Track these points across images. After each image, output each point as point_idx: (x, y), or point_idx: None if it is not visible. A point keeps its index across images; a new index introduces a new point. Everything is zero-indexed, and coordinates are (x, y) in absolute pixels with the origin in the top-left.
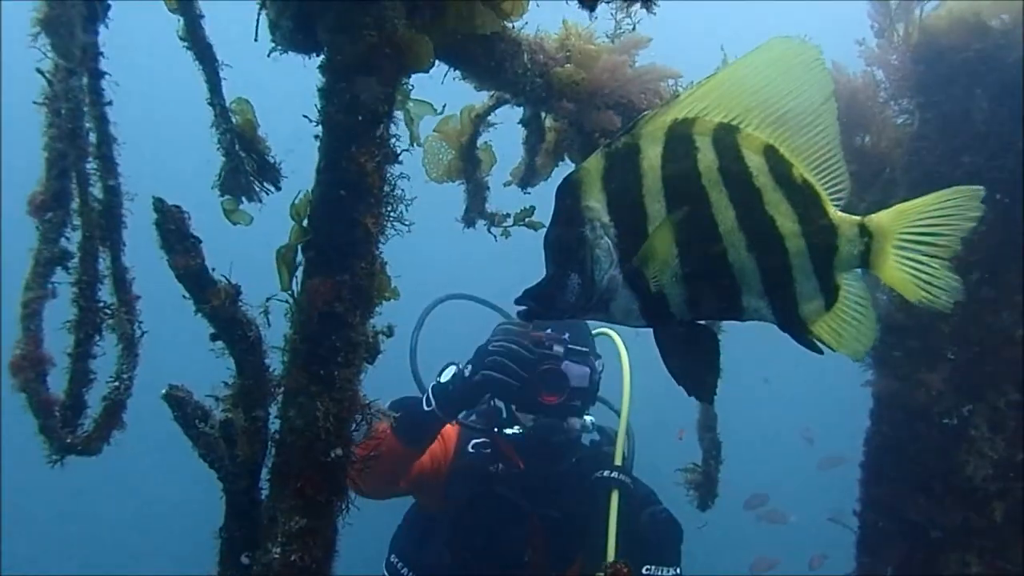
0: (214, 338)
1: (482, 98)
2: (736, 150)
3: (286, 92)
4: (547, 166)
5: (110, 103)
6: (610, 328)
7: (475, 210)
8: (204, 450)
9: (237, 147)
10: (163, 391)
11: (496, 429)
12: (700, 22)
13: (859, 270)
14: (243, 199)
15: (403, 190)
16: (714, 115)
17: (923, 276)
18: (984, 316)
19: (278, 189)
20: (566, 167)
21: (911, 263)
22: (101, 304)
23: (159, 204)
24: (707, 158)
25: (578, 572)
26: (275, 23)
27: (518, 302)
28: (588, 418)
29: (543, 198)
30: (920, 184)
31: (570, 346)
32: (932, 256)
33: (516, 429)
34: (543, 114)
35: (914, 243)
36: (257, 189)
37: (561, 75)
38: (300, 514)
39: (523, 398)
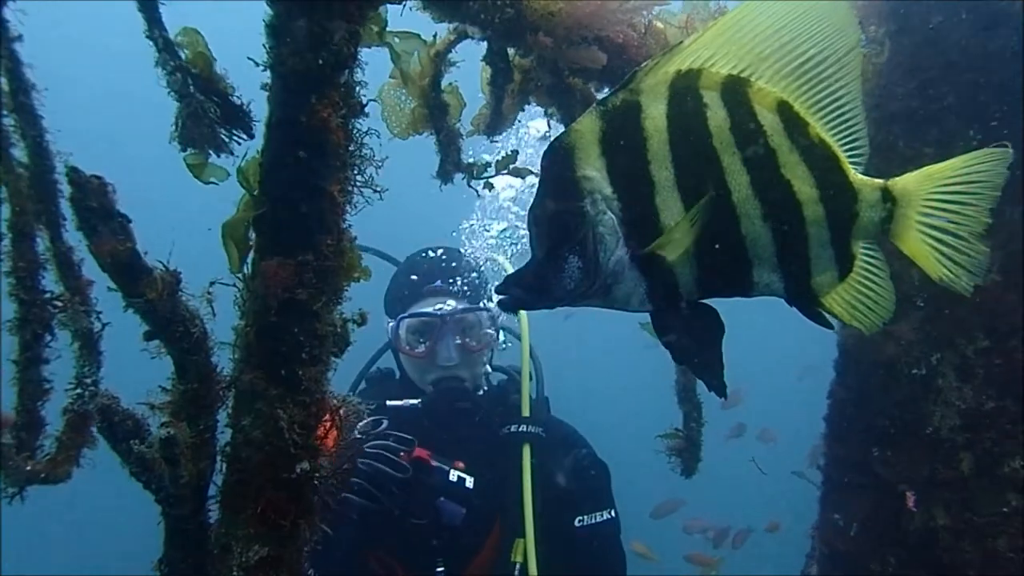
0: (149, 336)
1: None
2: (748, 107)
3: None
4: (512, 110)
5: (20, 38)
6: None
7: (451, 163)
8: (137, 468)
9: (192, 88)
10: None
11: (387, 402)
12: None
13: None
14: (210, 152)
15: (371, 149)
16: (722, 65)
17: (947, 250)
18: None
19: (251, 137)
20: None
21: (936, 233)
22: (47, 295)
23: (74, 175)
24: (717, 116)
25: (496, 540)
26: None
27: (500, 291)
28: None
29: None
30: (889, 122)
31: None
32: (959, 226)
33: (413, 400)
34: (510, 51)
35: (941, 211)
36: (225, 138)
37: (535, 4)
38: (260, 542)
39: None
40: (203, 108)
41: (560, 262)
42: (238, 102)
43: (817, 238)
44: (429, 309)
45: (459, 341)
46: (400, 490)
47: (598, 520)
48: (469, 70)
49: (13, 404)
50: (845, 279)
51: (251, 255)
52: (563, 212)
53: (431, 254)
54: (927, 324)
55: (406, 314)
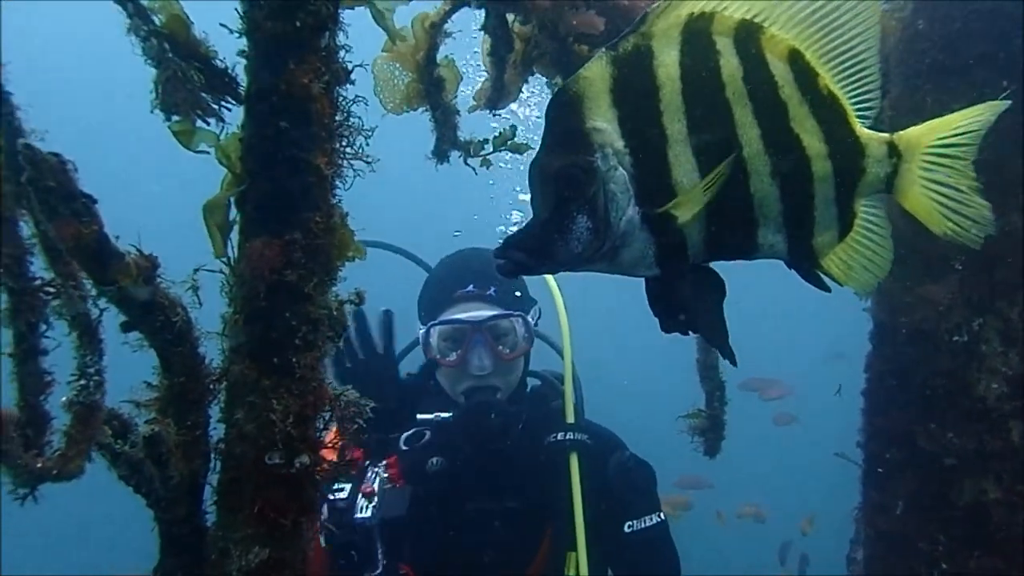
0: (127, 328)
1: (432, 4)
2: (760, 56)
3: None
4: (515, 82)
5: None
6: None
7: (447, 141)
8: (125, 471)
9: (170, 54)
10: (64, 399)
11: (418, 416)
12: None
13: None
14: (198, 118)
15: (360, 118)
16: (735, 9)
17: (950, 203)
18: None
19: (240, 102)
20: (538, 85)
21: (938, 187)
22: (38, 281)
23: (28, 152)
24: (730, 65)
25: (548, 547)
26: None
27: (499, 255)
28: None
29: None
30: (916, 77)
31: None
32: (958, 179)
33: (445, 414)
34: (509, 17)
35: (941, 164)
36: (213, 104)
37: None
38: (261, 543)
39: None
40: (183, 71)
41: (567, 222)
42: (221, 66)
43: (823, 196)
44: (460, 316)
45: (492, 349)
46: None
47: (648, 524)
48: (469, 42)
49: (14, 400)
50: (844, 238)
51: (236, 238)
52: (571, 167)
53: (463, 257)
54: (966, 288)
55: (436, 321)
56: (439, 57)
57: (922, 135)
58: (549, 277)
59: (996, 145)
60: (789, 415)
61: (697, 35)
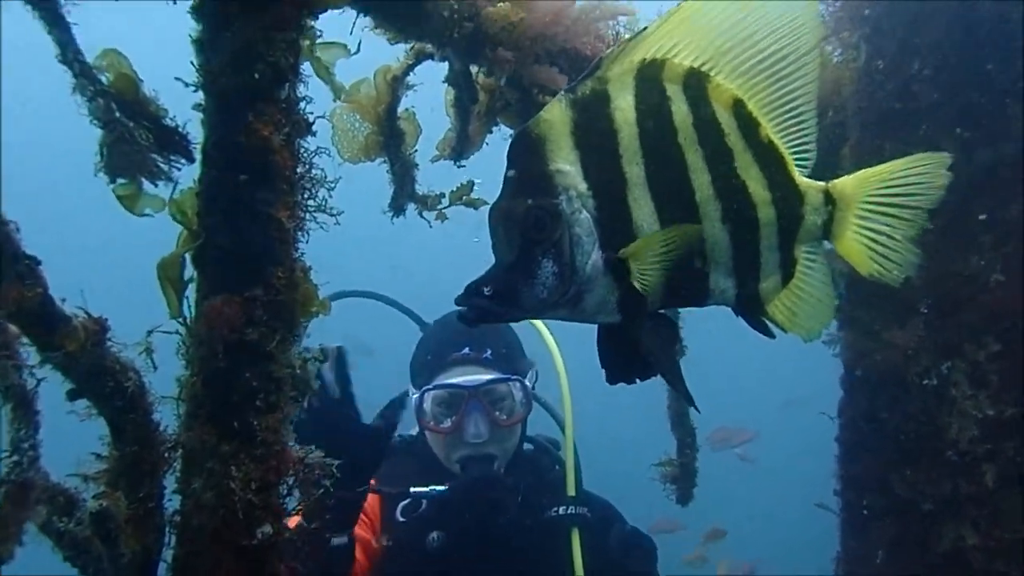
0: (74, 396)
1: (396, 54)
2: (707, 102)
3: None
4: (479, 133)
5: None
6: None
7: (404, 194)
8: (71, 551)
9: (118, 114)
10: None
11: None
12: None
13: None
14: (144, 179)
15: (322, 169)
16: (684, 56)
17: (879, 248)
18: (952, 263)
19: (191, 161)
20: (501, 137)
21: (870, 234)
22: None
23: None
24: (681, 111)
25: None
26: None
27: (462, 302)
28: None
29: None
30: (873, 125)
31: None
32: (895, 227)
33: (440, 487)
34: (473, 69)
35: (877, 213)
36: (162, 165)
37: (494, 16)
38: None
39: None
40: (130, 133)
41: (532, 267)
42: (172, 125)
43: (768, 242)
44: (456, 380)
45: (489, 415)
46: None
47: None
48: (432, 93)
49: None
50: (787, 285)
51: (193, 296)
52: (536, 209)
53: (458, 318)
54: (933, 331)
55: (430, 385)
56: (400, 109)
57: (859, 184)
58: (546, 334)
59: (955, 190)
60: (749, 457)
61: (649, 81)
